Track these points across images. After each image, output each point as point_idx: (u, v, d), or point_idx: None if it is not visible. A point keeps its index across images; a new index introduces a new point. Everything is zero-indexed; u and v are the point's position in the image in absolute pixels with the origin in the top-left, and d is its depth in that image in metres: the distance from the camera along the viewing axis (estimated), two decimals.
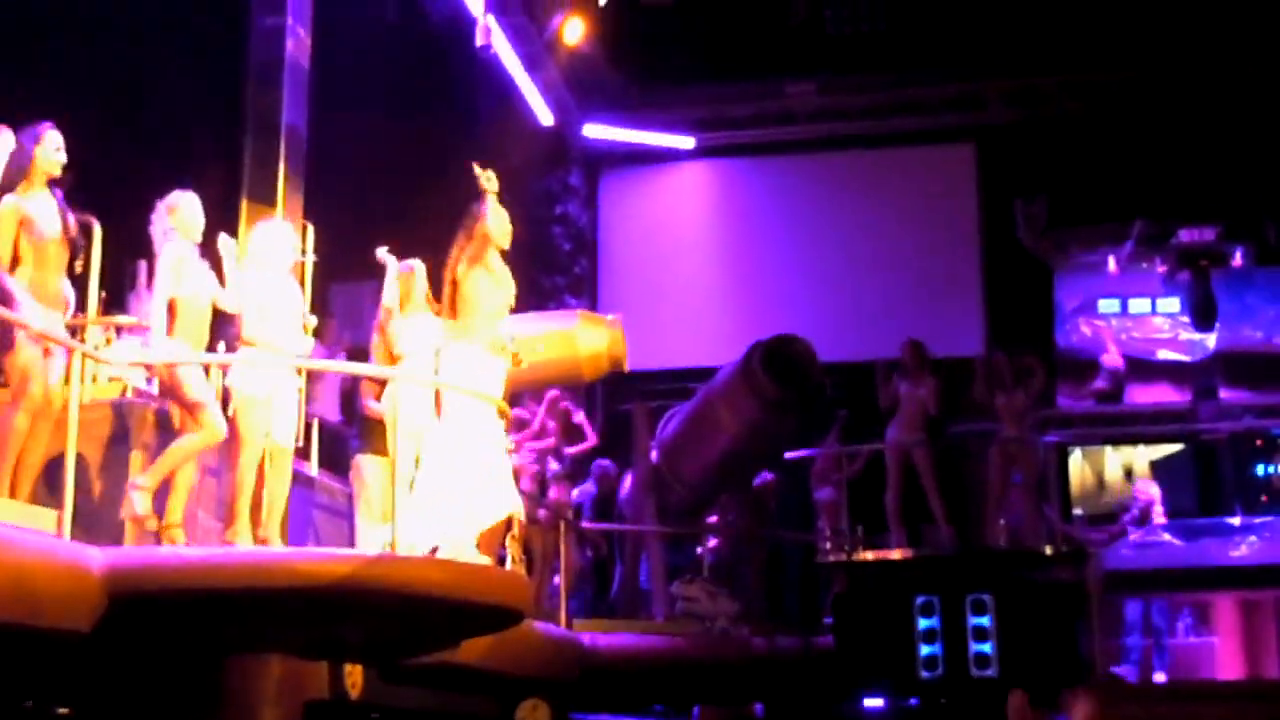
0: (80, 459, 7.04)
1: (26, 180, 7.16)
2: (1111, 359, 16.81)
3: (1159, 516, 13.62)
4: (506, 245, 8.15)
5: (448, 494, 7.68)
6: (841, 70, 17.18)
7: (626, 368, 11.44)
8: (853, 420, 14.27)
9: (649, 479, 14.15)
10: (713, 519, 14.95)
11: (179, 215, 7.71)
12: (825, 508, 13.83)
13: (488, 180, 8.12)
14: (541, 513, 12.40)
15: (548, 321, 11.30)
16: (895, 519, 13.10)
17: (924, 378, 13.02)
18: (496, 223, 8.10)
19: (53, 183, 7.29)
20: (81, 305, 8.21)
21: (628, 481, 14.53)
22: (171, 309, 7.59)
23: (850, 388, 14.47)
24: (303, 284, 9.21)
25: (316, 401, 10.39)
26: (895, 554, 12.97)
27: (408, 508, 7.54)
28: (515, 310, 8.44)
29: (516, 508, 8.04)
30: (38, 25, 11.41)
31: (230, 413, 7.64)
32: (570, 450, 13.24)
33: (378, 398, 8.69)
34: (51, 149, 7.26)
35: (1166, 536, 12.97)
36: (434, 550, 7.51)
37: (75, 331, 8.01)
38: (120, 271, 8.02)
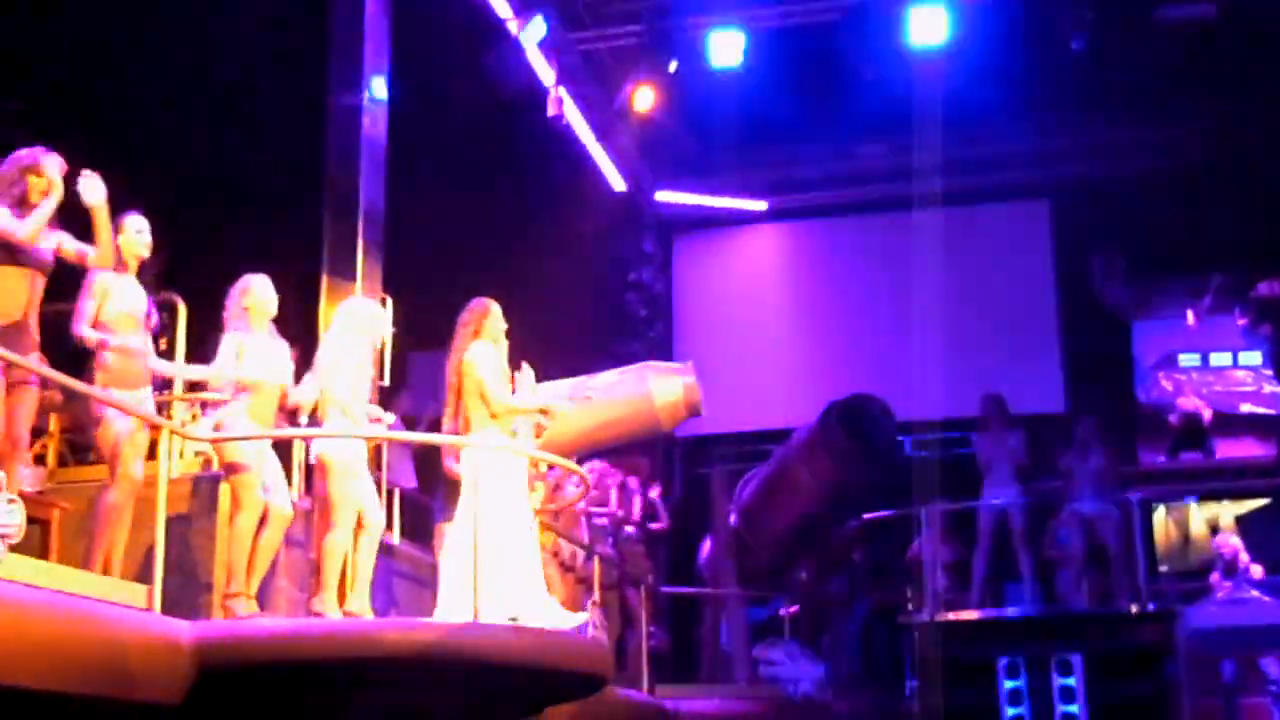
0: (168, 533, 7.17)
1: (119, 265, 7.36)
2: (1187, 402, 16.53)
3: (1252, 568, 13.39)
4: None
5: (521, 562, 7.77)
6: (913, 129, 17.20)
7: (703, 412, 11.40)
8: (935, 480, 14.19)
9: (729, 542, 14.15)
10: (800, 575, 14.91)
11: (252, 297, 7.86)
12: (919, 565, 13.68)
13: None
14: (620, 578, 12.42)
15: (619, 378, 11.30)
16: (981, 579, 12.99)
17: (1007, 433, 12.94)
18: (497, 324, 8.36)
19: (144, 277, 7.50)
20: (167, 382, 8.40)
21: (707, 545, 14.53)
22: (240, 383, 7.75)
23: (928, 446, 14.41)
24: (383, 355, 9.36)
25: (393, 470, 10.51)
26: (979, 614, 12.85)
27: (488, 575, 7.61)
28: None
29: None
30: (121, 111, 11.70)
31: (324, 482, 7.79)
32: (651, 526, 13.28)
33: (458, 459, 8.80)
34: (133, 233, 7.45)
35: (1254, 593, 12.75)
36: (515, 619, 7.57)
37: (162, 408, 8.18)
38: (205, 349, 8.17)
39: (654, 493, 13.56)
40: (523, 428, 8.40)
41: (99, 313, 7.24)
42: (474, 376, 8.10)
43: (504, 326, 8.41)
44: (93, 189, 6.98)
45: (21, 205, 6.85)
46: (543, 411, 8.45)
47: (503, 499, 7.83)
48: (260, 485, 7.56)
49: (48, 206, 6.87)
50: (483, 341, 8.24)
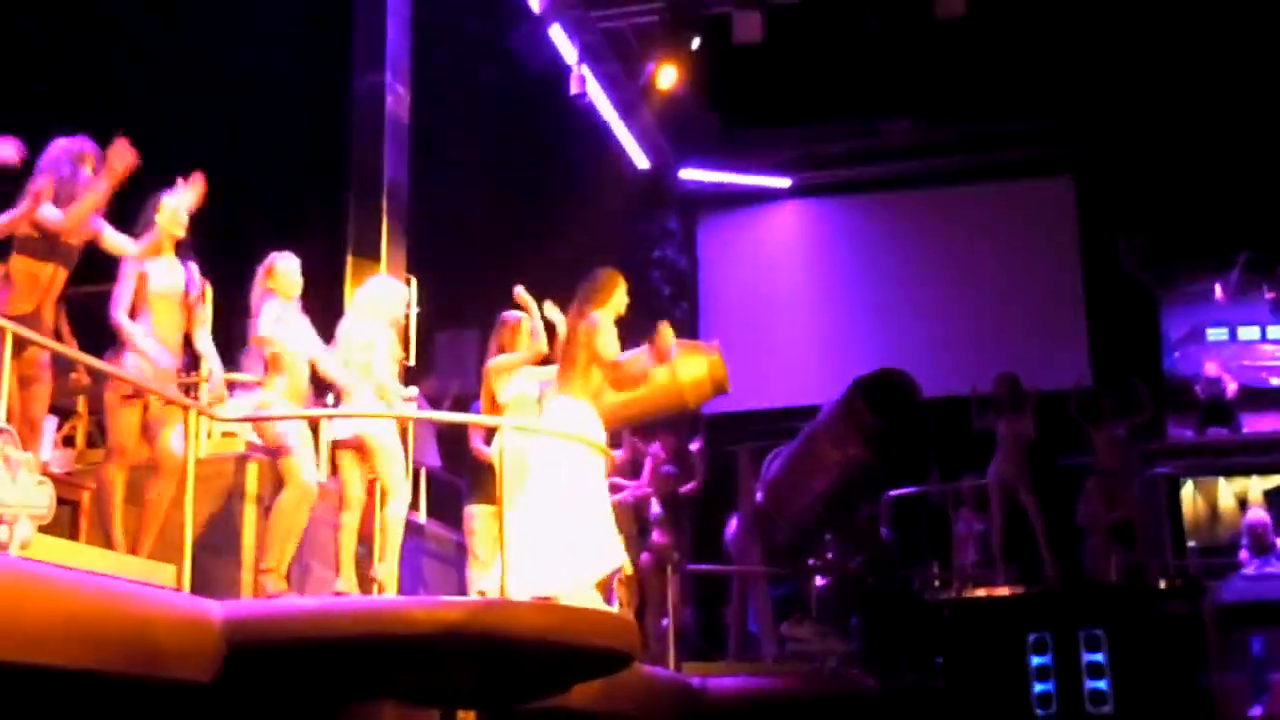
0: (200, 513, 7.21)
1: (154, 243, 7.39)
2: (1211, 369, 16.41)
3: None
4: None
5: (552, 542, 7.74)
6: (937, 104, 17.14)
7: (729, 389, 11.39)
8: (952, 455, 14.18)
9: (754, 520, 14.14)
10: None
11: (277, 277, 7.86)
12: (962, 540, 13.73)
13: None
14: (645, 556, 12.43)
15: (645, 356, 11.30)
16: (1000, 554, 12.99)
17: (1021, 412, 12.94)
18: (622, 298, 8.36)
19: (182, 247, 7.52)
20: (194, 363, 8.42)
21: (733, 523, 14.52)
22: (274, 363, 7.76)
23: (955, 423, 14.38)
24: (407, 334, 9.37)
25: (419, 450, 10.51)
26: (1005, 590, 12.84)
27: (516, 554, 7.61)
28: None
29: (622, 561, 8.11)
30: (146, 93, 11.73)
31: (367, 464, 7.82)
32: (681, 490, 13.24)
33: (486, 441, 8.79)
34: (170, 211, 7.48)
35: None
36: (546, 598, 7.56)
37: (189, 389, 8.20)
38: (231, 330, 8.19)
39: (694, 446, 13.51)
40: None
41: (137, 296, 7.28)
42: (592, 343, 8.07)
43: (626, 302, 8.42)
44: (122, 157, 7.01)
45: (72, 195, 6.89)
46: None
47: (554, 475, 7.81)
48: (307, 467, 7.56)
49: (91, 198, 6.90)
50: (606, 311, 8.24)
